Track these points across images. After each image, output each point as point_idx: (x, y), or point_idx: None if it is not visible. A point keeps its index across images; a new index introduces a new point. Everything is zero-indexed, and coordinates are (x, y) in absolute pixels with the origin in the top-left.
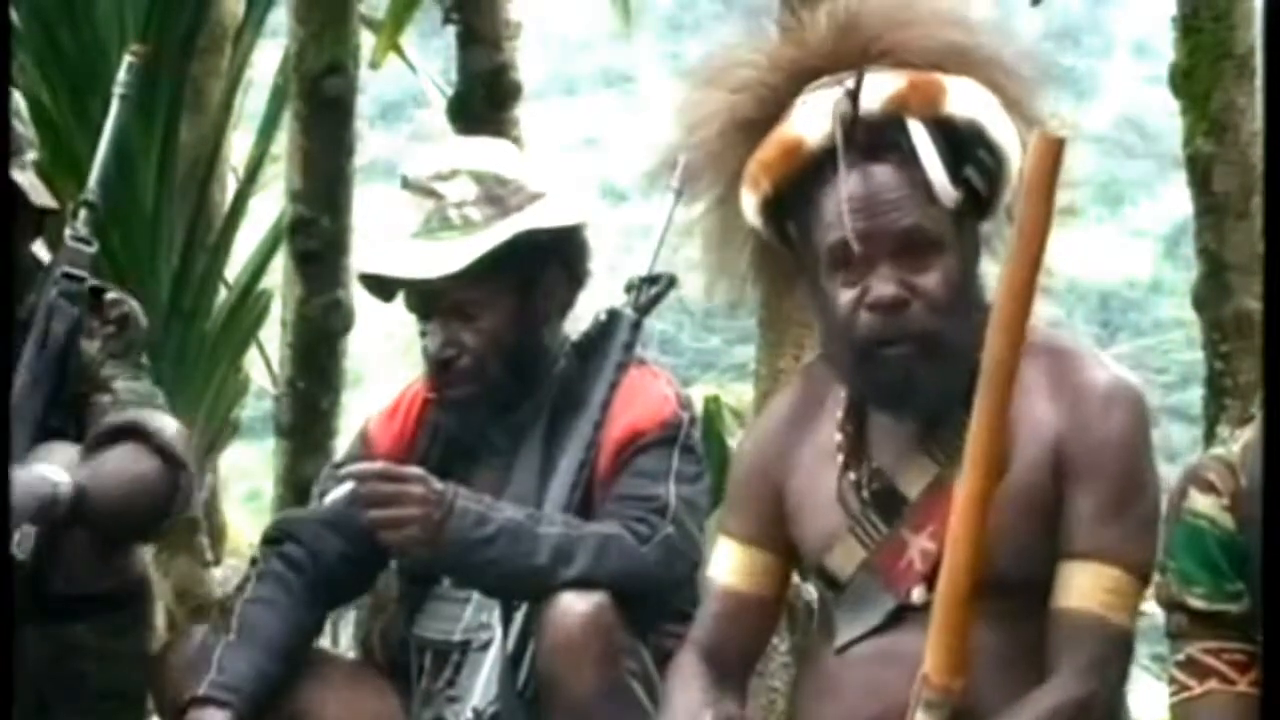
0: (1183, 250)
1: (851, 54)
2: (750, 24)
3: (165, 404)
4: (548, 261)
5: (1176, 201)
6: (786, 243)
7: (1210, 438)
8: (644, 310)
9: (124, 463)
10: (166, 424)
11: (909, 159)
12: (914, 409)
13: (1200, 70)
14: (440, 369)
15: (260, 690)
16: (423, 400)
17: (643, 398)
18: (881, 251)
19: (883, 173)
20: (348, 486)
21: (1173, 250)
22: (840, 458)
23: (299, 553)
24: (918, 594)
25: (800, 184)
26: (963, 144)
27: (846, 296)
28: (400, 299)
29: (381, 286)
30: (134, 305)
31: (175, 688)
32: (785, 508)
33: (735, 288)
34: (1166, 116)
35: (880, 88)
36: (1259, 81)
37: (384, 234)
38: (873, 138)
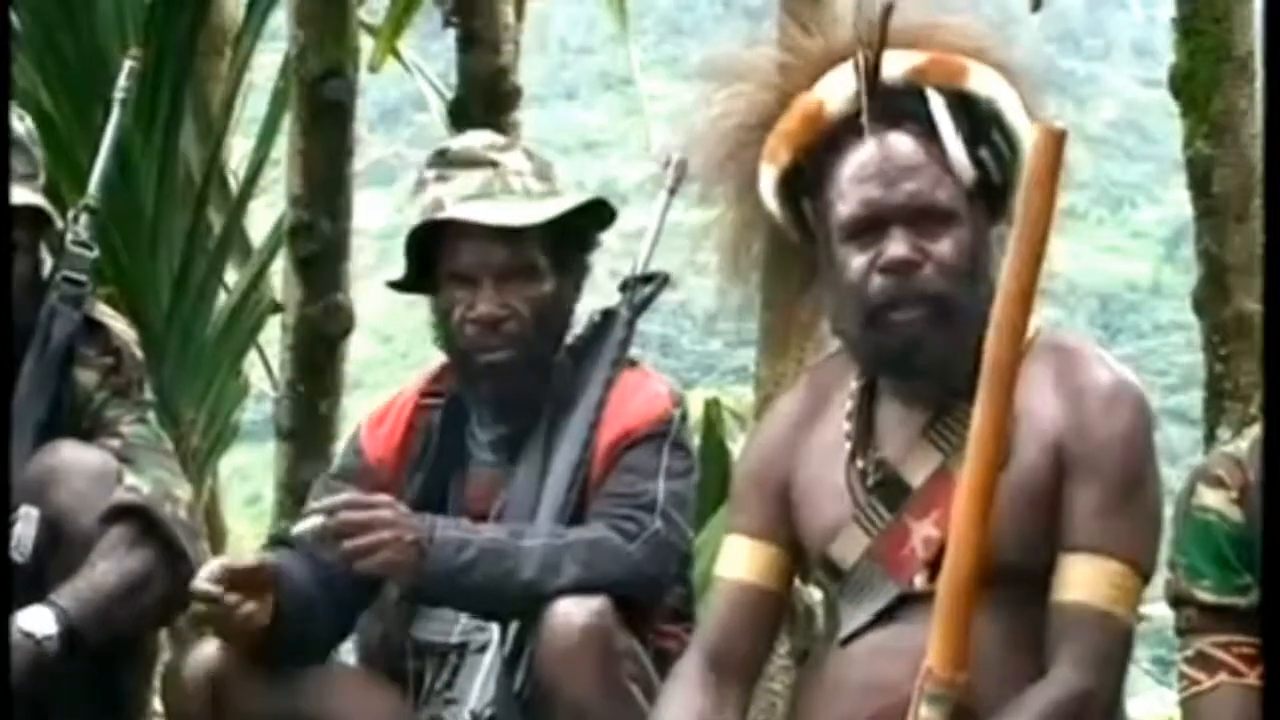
0: (1183, 253)
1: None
2: (750, 26)
3: (170, 449)
4: (581, 251)
5: (1176, 204)
6: (800, 223)
7: (1210, 440)
8: (638, 310)
9: (118, 570)
10: (178, 496)
11: (927, 130)
12: (920, 376)
13: (1200, 73)
14: (489, 329)
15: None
16: (414, 405)
17: (635, 398)
18: (896, 217)
19: (901, 141)
20: (315, 521)
21: (1173, 253)
22: (848, 447)
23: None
24: (920, 581)
25: (819, 154)
26: (980, 124)
27: (859, 261)
28: (391, 303)
29: (415, 261)
30: (129, 336)
31: (188, 702)
32: (791, 502)
33: (749, 289)
34: (1166, 119)
35: (903, 60)
36: (1259, 84)
37: (428, 204)
38: (892, 106)
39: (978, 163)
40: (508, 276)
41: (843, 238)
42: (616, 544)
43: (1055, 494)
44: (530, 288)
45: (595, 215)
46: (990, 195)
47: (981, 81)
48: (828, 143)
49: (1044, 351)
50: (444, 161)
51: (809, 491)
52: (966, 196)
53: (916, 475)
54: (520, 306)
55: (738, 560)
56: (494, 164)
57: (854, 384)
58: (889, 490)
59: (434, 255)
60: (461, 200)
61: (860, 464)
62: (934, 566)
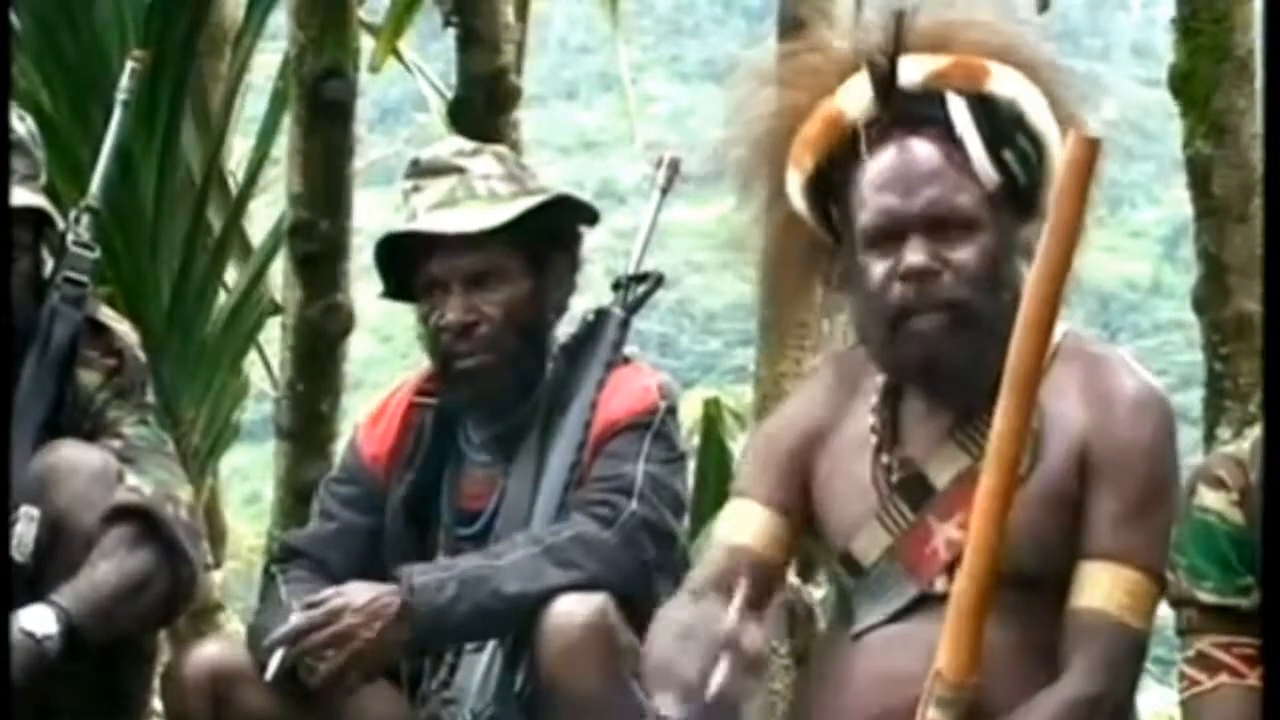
0: (1182, 252)
1: (907, 49)
2: (749, 26)
3: (173, 451)
4: (559, 249)
5: (1176, 203)
6: (829, 226)
7: (1210, 439)
8: (632, 309)
9: (119, 570)
10: (180, 498)
11: (947, 134)
12: (942, 384)
13: (1200, 72)
14: (459, 335)
15: None
16: (409, 403)
17: (622, 392)
18: (914, 225)
19: (920, 146)
20: (279, 655)
21: (1172, 252)
22: (874, 441)
23: (305, 572)
24: (940, 583)
25: (841, 160)
26: (1003, 127)
27: (879, 269)
28: (391, 302)
29: (388, 272)
30: (132, 339)
31: (188, 702)
32: (813, 488)
33: (793, 285)
34: (1166, 119)
35: (924, 63)
36: (1259, 84)
37: (406, 215)
38: (912, 111)
39: (1001, 165)
40: (476, 281)
41: (864, 245)
42: (591, 536)
43: (1076, 499)
44: (501, 291)
45: (580, 212)
46: (1017, 197)
47: (1004, 83)
48: (850, 149)
49: (1071, 356)
50: (417, 172)
51: (832, 484)
52: (990, 201)
53: (942, 476)
54: (491, 310)
55: (738, 523)
56: (460, 170)
57: (879, 378)
58: (912, 489)
59: (412, 264)
60: (429, 209)
61: (885, 459)
62: (954, 569)
